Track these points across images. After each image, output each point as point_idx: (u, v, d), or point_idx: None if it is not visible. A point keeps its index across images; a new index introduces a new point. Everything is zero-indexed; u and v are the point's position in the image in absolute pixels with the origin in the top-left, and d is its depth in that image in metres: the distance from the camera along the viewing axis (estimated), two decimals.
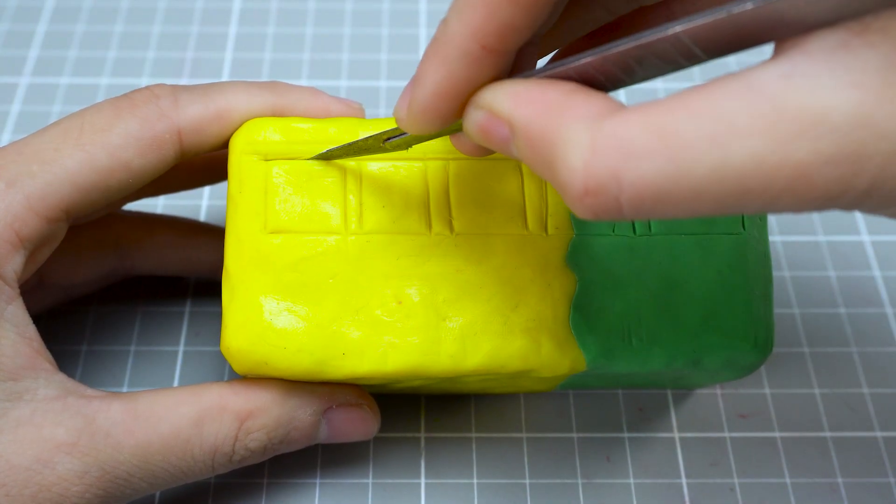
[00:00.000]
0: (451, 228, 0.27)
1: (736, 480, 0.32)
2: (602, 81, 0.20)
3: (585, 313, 0.26)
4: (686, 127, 0.17)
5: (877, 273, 0.37)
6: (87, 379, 0.34)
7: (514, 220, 0.27)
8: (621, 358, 0.26)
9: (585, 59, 0.20)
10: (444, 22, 0.21)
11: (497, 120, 0.20)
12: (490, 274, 0.26)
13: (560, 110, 0.19)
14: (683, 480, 0.32)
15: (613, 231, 0.27)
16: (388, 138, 0.25)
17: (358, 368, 0.26)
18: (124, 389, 0.34)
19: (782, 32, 0.17)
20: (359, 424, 0.29)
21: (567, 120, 0.19)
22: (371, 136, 0.25)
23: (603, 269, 0.27)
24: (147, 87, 0.27)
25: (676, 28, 0.18)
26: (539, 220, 0.27)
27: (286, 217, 0.26)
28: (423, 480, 0.32)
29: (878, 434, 0.33)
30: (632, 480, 0.32)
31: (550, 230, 0.27)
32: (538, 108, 0.19)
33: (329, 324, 0.26)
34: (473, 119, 0.21)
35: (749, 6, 0.17)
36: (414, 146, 0.27)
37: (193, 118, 0.27)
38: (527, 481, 0.32)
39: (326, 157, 0.27)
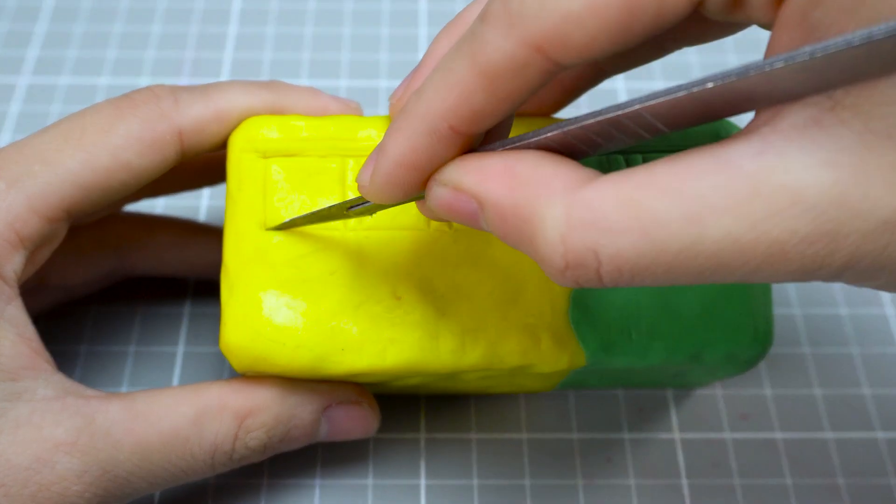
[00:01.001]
0: (450, 224, 0.27)
1: (737, 481, 0.32)
2: (565, 154, 0.20)
3: (584, 308, 0.26)
4: (660, 204, 0.17)
5: None
6: (86, 379, 0.34)
7: None
8: (621, 352, 0.26)
9: (549, 134, 0.20)
10: (418, 93, 0.21)
11: (464, 195, 0.20)
12: (489, 269, 0.26)
13: (530, 184, 0.19)
14: (684, 481, 0.32)
15: None
16: (352, 206, 0.24)
17: (357, 364, 0.26)
18: (123, 390, 0.34)
19: (746, 107, 0.17)
20: (359, 422, 0.29)
21: (539, 193, 0.19)
22: (334, 206, 0.25)
23: None
24: (147, 88, 0.27)
25: (636, 106, 0.18)
26: None
27: (285, 214, 0.26)
28: (423, 482, 0.32)
29: (879, 434, 0.33)
30: (632, 481, 0.32)
31: None
32: (507, 183, 0.19)
33: (328, 320, 0.26)
34: (437, 195, 0.21)
35: (709, 85, 0.16)
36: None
37: (194, 118, 0.27)
38: (527, 482, 0.32)
39: (288, 226, 0.26)
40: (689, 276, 0.18)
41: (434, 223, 0.27)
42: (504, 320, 0.26)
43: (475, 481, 0.32)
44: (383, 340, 0.26)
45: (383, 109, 0.42)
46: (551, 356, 0.26)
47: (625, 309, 0.26)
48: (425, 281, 0.26)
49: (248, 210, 0.26)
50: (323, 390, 0.28)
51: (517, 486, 0.32)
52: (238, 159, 0.27)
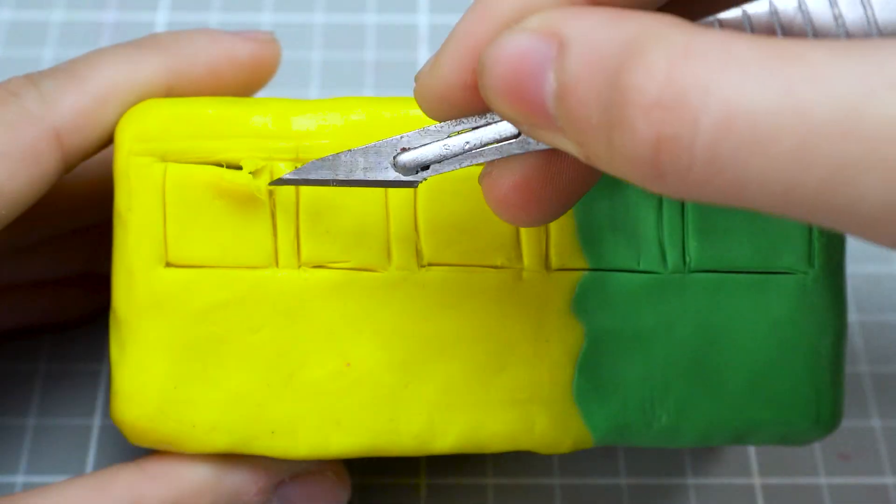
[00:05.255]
0: (420, 259, 0.24)
1: None
2: None
3: (594, 378, 0.24)
4: (822, 59, 0.15)
5: None
6: None
7: (503, 248, 0.24)
8: (640, 435, 0.24)
9: None
10: None
11: (541, 41, 0.17)
12: (468, 324, 0.24)
13: (638, 15, 0.17)
14: None
15: (638, 265, 0.24)
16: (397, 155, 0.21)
17: (292, 450, 0.23)
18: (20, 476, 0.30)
19: None
20: (321, 498, 0.26)
21: (652, 22, 0.16)
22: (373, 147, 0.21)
23: (621, 317, 0.24)
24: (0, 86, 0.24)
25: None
26: (537, 250, 0.24)
27: (193, 245, 0.23)
28: None
29: None
30: None
31: (553, 263, 0.24)
32: (606, 16, 0.17)
33: (251, 394, 0.23)
34: (507, 45, 0.17)
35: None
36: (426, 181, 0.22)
37: (70, 113, 0.24)
38: None
39: (298, 183, 0.22)
40: (824, 170, 0.15)
41: (397, 259, 0.24)
42: (486, 394, 0.24)
43: None
44: (326, 421, 0.23)
45: (369, 90, 0.38)
46: (548, 440, 0.24)
47: (648, 380, 0.24)
48: (383, 340, 0.24)
49: (143, 238, 0.23)
50: (271, 463, 0.25)
51: None
52: (126, 165, 0.24)
